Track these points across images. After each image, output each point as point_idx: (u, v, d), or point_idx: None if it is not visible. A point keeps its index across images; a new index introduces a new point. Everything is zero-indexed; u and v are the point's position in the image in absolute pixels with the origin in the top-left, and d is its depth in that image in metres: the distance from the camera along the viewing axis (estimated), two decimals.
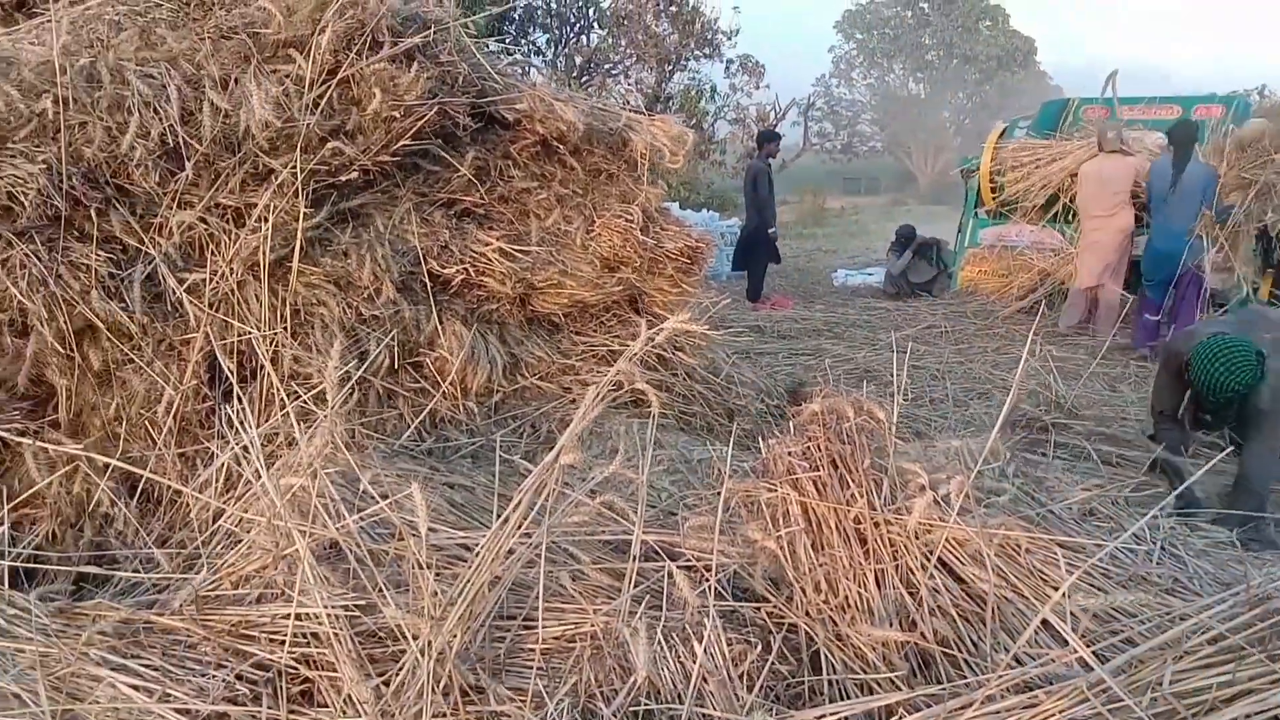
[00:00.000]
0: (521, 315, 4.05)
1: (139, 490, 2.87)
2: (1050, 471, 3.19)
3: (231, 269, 3.05)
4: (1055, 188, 8.81)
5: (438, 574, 2.03)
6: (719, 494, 2.33)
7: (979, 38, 43.69)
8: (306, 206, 3.13)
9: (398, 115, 3.37)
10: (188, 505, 2.72)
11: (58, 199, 2.78)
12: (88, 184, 2.89)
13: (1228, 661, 1.92)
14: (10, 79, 2.85)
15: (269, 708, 1.94)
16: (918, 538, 2.27)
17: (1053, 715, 1.79)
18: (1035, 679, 1.93)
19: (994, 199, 9.60)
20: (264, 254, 3.05)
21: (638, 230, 4.19)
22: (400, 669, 1.90)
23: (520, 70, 4.87)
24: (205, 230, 3.08)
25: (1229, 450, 3.26)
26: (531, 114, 3.88)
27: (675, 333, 2.08)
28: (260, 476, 2.13)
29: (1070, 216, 8.71)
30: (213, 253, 3.08)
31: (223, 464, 2.58)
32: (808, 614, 2.24)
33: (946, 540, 2.28)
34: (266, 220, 3.06)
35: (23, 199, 2.73)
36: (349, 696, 1.90)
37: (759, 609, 2.29)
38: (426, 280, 3.61)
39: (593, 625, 2.12)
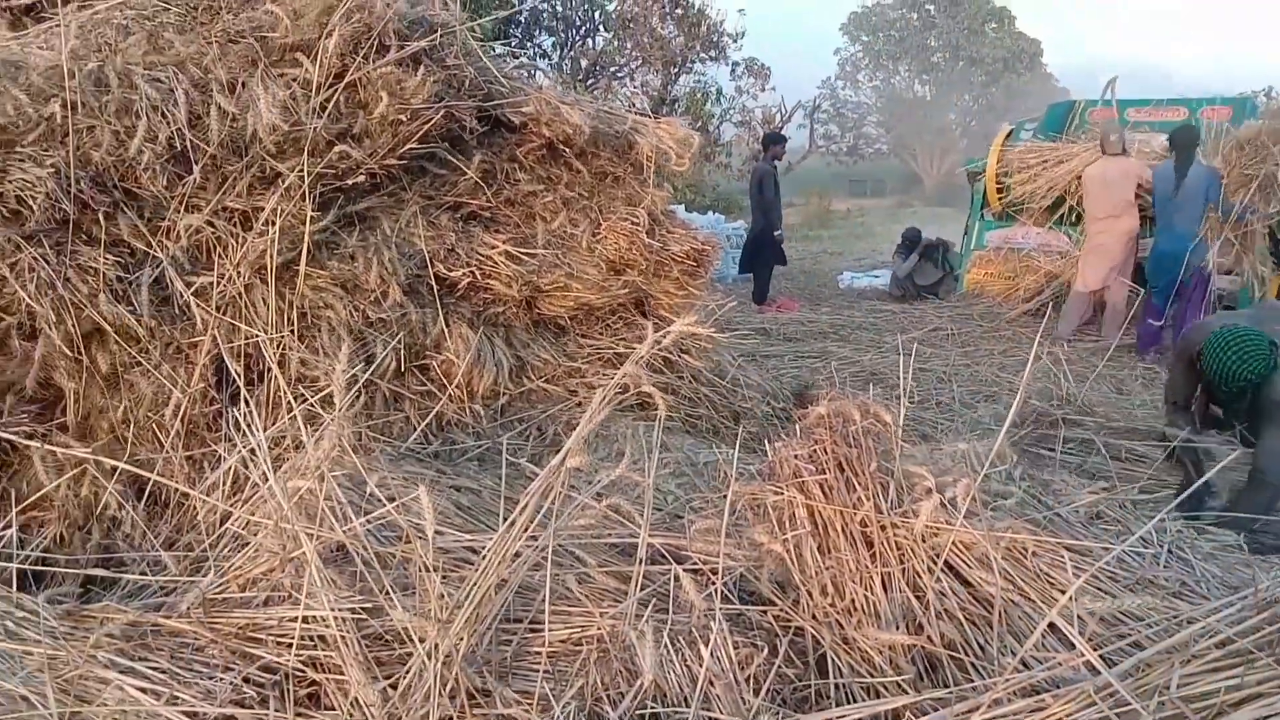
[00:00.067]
0: (528, 318, 4.06)
1: (146, 493, 2.88)
2: (1057, 474, 3.19)
3: (239, 272, 3.06)
4: (1062, 190, 8.80)
5: (444, 577, 2.03)
6: (725, 497, 2.33)
7: (985, 40, 43.64)
8: (313, 210, 3.14)
9: (404, 119, 3.37)
10: (195, 508, 2.73)
11: (66, 203, 2.79)
12: (96, 188, 2.90)
13: (1236, 666, 1.92)
14: (19, 83, 2.86)
15: (276, 710, 1.94)
16: (924, 541, 2.27)
17: (1060, 719, 1.79)
18: (1042, 682, 1.92)
19: (1000, 201, 9.59)
20: (271, 257, 3.06)
21: (644, 233, 4.19)
22: (407, 672, 1.90)
23: (526, 73, 4.88)
24: (213, 233, 3.08)
25: (1236, 454, 3.25)
26: (538, 117, 3.88)
27: (681, 335, 2.08)
28: (267, 479, 2.14)
29: (1076, 219, 8.70)
30: (220, 256, 3.09)
31: (230, 467, 2.58)
32: (814, 617, 2.24)
33: (953, 543, 2.27)
34: (274, 224, 3.06)
35: (31, 203, 2.74)
36: (356, 699, 1.90)
37: (765, 612, 2.29)
38: (433, 283, 3.62)
39: (599, 628, 2.12)
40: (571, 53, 21.20)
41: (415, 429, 3.29)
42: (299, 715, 1.96)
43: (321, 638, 2.02)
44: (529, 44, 19.70)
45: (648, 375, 2.08)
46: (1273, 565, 2.80)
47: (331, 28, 3.19)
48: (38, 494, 2.65)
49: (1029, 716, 1.81)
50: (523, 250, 3.89)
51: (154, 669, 2.00)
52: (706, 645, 1.99)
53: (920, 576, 2.24)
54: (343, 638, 1.95)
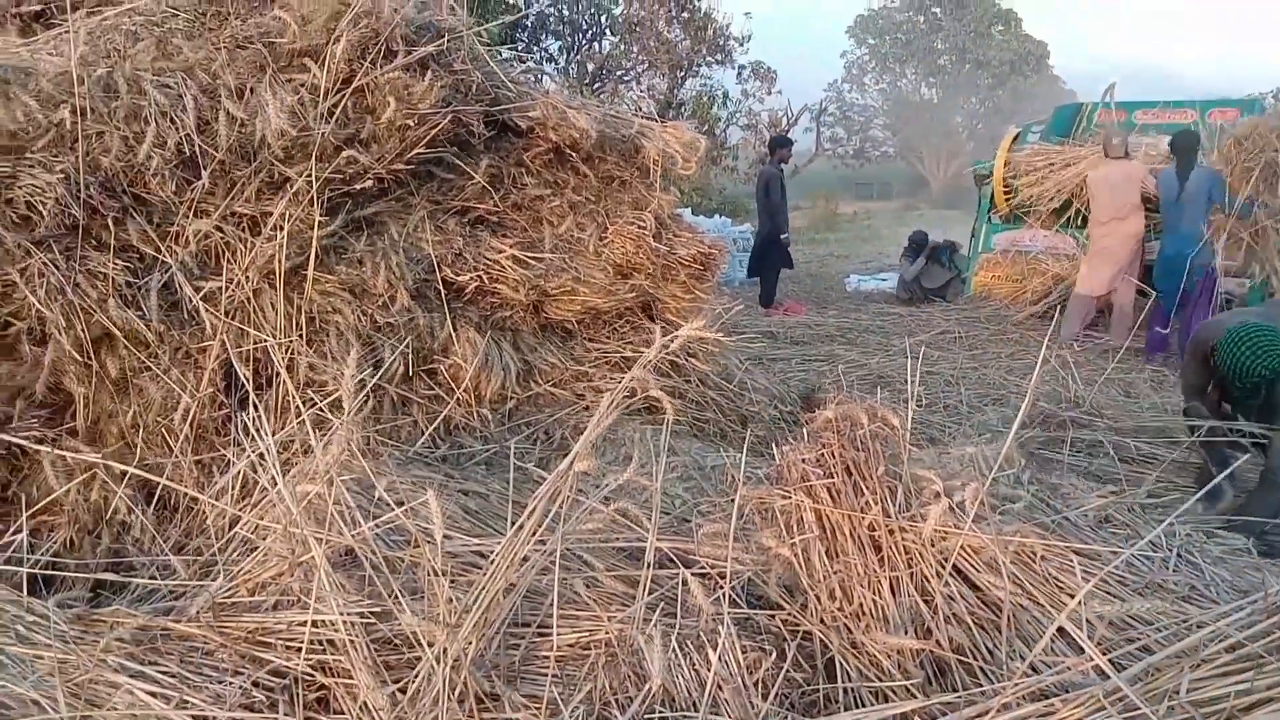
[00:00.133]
0: (535, 322, 4.06)
1: (156, 497, 2.89)
2: (1065, 477, 3.18)
3: (247, 277, 3.07)
4: (1069, 193, 8.79)
5: (453, 581, 2.03)
6: (733, 501, 2.33)
7: (991, 42, 43.62)
8: (322, 215, 3.15)
9: (412, 124, 3.38)
10: (204, 512, 2.73)
11: (75, 208, 2.80)
12: (105, 193, 2.91)
13: (1246, 670, 1.91)
14: (29, 89, 2.87)
15: (285, 714, 1.94)
16: (933, 545, 2.27)
17: None
18: (1051, 687, 1.92)
19: (1008, 204, 9.58)
20: (279, 262, 3.07)
21: (650, 237, 4.19)
22: (416, 676, 1.91)
23: (533, 78, 4.89)
24: (221, 239, 3.09)
25: (1246, 457, 3.24)
26: (544, 122, 3.89)
27: (688, 339, 2.08)
28: (276, 484, 2.14)
29: (1083, 222, 8.69)
30: (229, 261, 3.10)
31: (239, 471, 2.59)
32: (822, 621, 2.24)
33: (961, 547, 2.27)
34: (282, 228, 3.07)
35: (41, 208, 2.75)
36: (365, 703, 1.91)
37: (773, 616, 2.29)
38: (440, 288, 3.63)
39: (607, 632, 2.12)
40: (578, 57, 21.23)
41: (423, 433, 3.29)
42: (308, 719, 1.97)
43: (330, 642, 2.03)
44: (535, 48, 19.73)
45: (655, 379, 2.09)
46: None
47: (339, 33, 3.20)
48: (48, 499, 2.66)
49: None
50: (530, 254, 3.90)
51: (164, 673, 2.00)
52: (715, 650, 1.99)
53: (929, 581, 2.24)
54: (352, 642, 1.96)
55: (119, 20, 3.33)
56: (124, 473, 2.64)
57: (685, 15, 21.25)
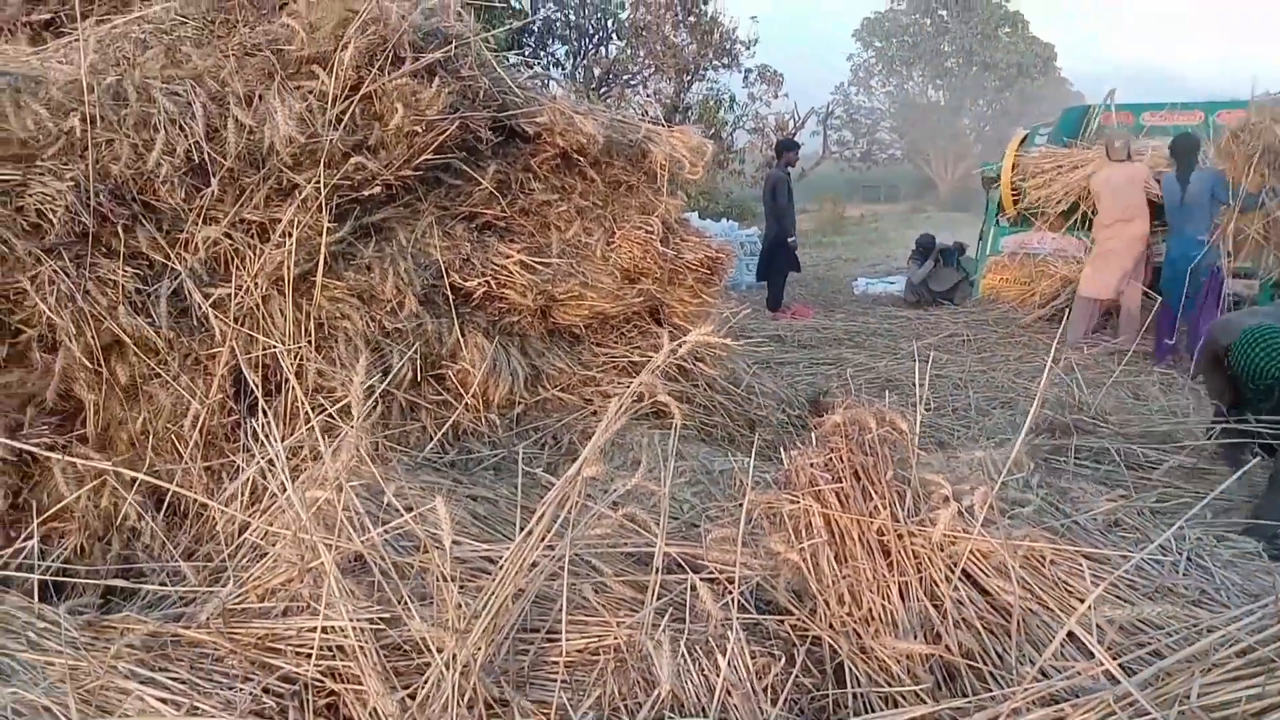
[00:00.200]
0: (543, 327, 4.07)
1: (165, 504, 2.90)
2: (1075, 481, 3.17)
3: (256, 284, 3.08)
4: (1077, 195, 8.78)
5: (462, 587, 2.04)
6: (741, 506, 2.33)
7: (998, 44, 43.61)
8: (330, 221, 3.16)
9: (420, 130, 3.39)
10: (214, 518, 2.74)
11: (85, 216, 2.81)
12: (115, 200, 2.92)
13: (1257, 674, 1.90)
14: (39, 98, 2.89)
15: None
16: (942, 549, 2.26)
17: None
18: (1061, 692, 1.91)
19: (1015, 207, 9.56)
20: (288, 268, 3.08)
21: (658, 241, 4.20)
22: (425, 682, 1.91)
23: (540, 83, 4.90)
24: (230, 245, 3.11)
25: (1256, 461, 3.23)
26: (552, 127, 3.90)
27: (696, 344, 2.08)
28: (285, 490, 2.15)
29: (1091, 225, 8.69)
30: (238, 268, 3.11)
31: (248, 477, 2.60)
32: (831, 627, 2.23)
33: (971, 552, 2.26)
34: (291, 235, 3.08)
35: (51, 216, 2.77)
36: (374, 709, 1.91)
37: (782, 622, 2.28)
38: (448, 293, 3.63)
39: (616, 638, 2.12)
40: (585, 61, 21.27)
41: (432, 438, 3.30)
42: None
43: (340, 648, 2.03)
44: (542, 53, 19.77)
45: (663, 384, 2.09)
46: None
47: (347, 40, 3.22)
48: (58, 505, 2.67)
49: None
50: (537, 259, 3.90)
51: (174, 679, 2.01)
52: (724, 655, 1.99)
53: (938, 585, 2.23)
54: (361, 648, 1.96)
55: (128, 28, 3.35)
56: (134, 479, 2.65)
57: (691, 19, 21.27)
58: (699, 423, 4.27)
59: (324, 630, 2.03)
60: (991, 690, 2.05)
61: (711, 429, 4.31)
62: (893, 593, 2.23)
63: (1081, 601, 2.15)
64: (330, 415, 2.61)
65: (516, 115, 3.85)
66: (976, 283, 10.18)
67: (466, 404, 3.50)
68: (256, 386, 2.93)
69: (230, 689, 2.00)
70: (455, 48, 3.56)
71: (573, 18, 20.65)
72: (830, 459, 2.41)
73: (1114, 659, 1.89)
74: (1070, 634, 2.07)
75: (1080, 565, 2.32)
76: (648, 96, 21.92)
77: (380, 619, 2.07)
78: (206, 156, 3.03)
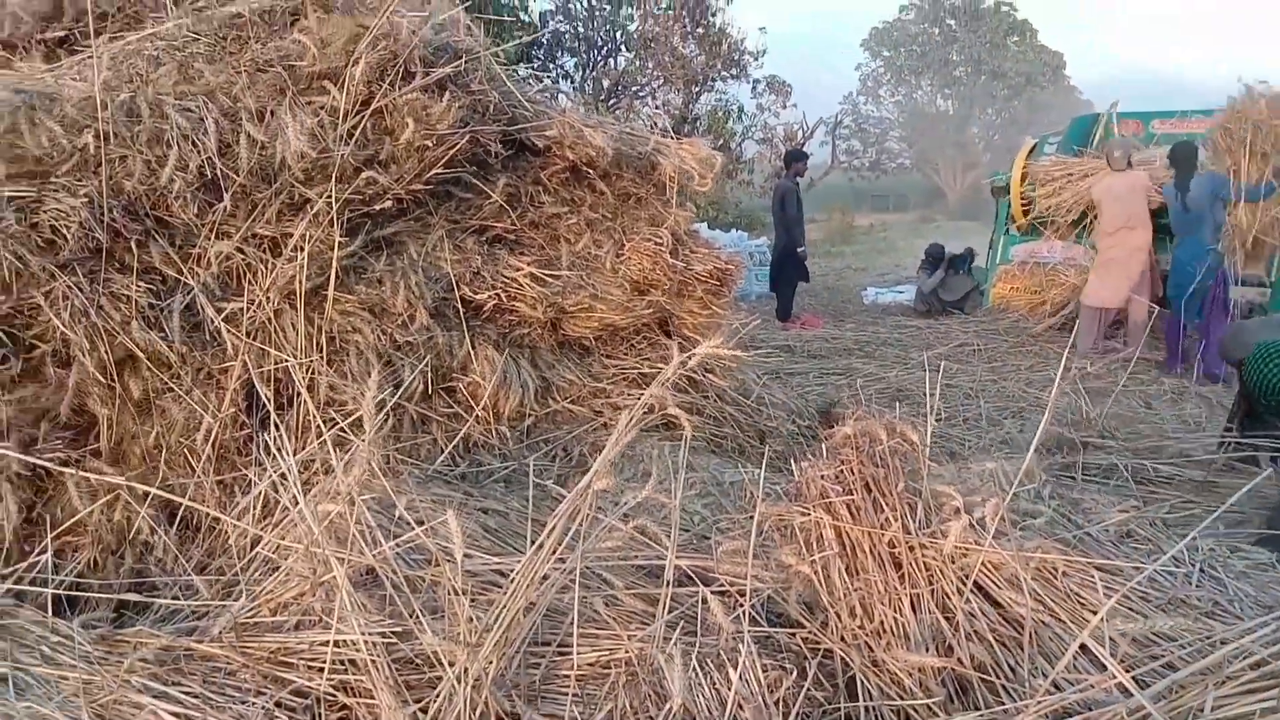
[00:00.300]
0: (553, 339, 4.08)
1: (178, 518, 2.91)
2: (1086, 493, 3.16)
3: (268, 298, 3.10)
4: (1086, 203, 8.79)
5: (473, 600, 2.04)
6: (752, 518, 2.33)
7: (1007, 53, 43.63)
8: (341, 235, 3.17)
9: (430, 144, 3.41)
10: (226, 532, 2.75)
11: (99, 232, 2.83)
12: (128, 216, 2.94)
13: (1271, 687, 1.89)
14: (53, 115, 2.91)
15: None
16: (953, 561, 2.26)
17: None
18: (1074, 705, 1.91)
19: (1025, 216, 9.56)
20: (300, 283, 3.09)
21: (667, 253, 4.21)
22: (437, 696, 1.91)
23: (549, 96, 4.92)
24: (243, 260, 3.12)
25: (1267, 474, 3.22)
26: (561, 140, 3.91)
27: (706, 356, 2.09)
28: (298, 503, 2.16)
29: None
30: (250, 282, 3.13)
31: (260, 491, 2.61)
32: (843, 639, 2.23)
33: (982, 564, 2.26)
34: (302, 249, 3.10)
35: (65, 232, 2.79)
36: None
37: (794, 634, 2.28)
38: (459, 306, 3.65)
39: (627, 651, 2.12)
40: (594, 73, 21.35)
41: (442, 451, 3.31)
42: None
43: (352, 662, 2.04)
44: (552, 65, 19.86)
45: (673, 396, 2.09)
46: None
47: (358, 56, 3.23)
48: (72, 520, 2.68)
49: None
50: (547, 272, 3.91)
51: (187, 694, 2.01)
52: (735, 668, 1.99)
53: (949, 597, 2.23)
54: (373, 662, 1.96)
55: (141, 45, 3.37)
56: (147, 493, 2.67)
57: (700, 31, 21.35)
58: (709, 434, 4.27)
59: (336, 644, 2.04)
60: (1004, 703, 2.04)
61: (721, 440, 4.31)
62: (904, 605, 2.22)
63: (1094, 613, 2.14)
64: (342, 429, 2.62)
65: (526, 129, 3.86)
66: (987, 292, 10.17)
67: (477, 416, 3.51)
68: (268, 400, 2.94)
69: (243, 703, 2.00)
70: (465, 62, 3.58)
71: (582, 30, 20.75)
72: (841, 471, 2.41)
73: (1127, 671, 1.88)
74: (1083, 646, 2.06)
75: (1092, 577, 2.31)
76: (656, 108, 21.99)
77: (392, 633, 2.07)
78: (219, 172, 3.05)
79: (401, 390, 3.22)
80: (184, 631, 2.28)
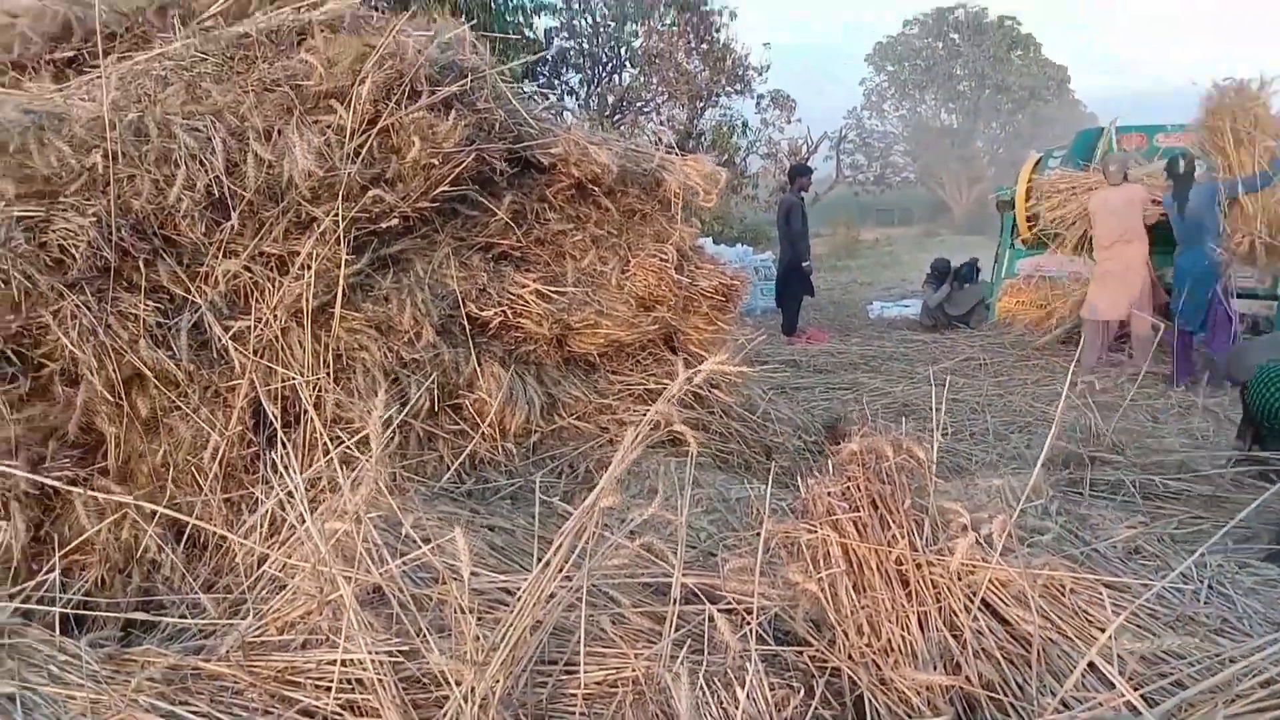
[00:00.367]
0: (558, 356, 4.08)
1: (185, 536, 2.91)
2: (1094, 508, 3.15)
3: (275, 316, 3.11)
4: (1082, 217, 8.79)
5: (480, 619, 2.04)
6: (759, 535, 2.32)
7: (1011, 67, 43.69)
8: (348, 253, 3.19)
9: (436, 162, 3.43)
10: (233, 550, 2.75)
11: (107, 251, 2.85)
12: (136, 235, 2.96)
13: None
14: (62, 135, 2.93)
15: None
16: (960, 579, 2.25)
17: None
18: None
19: (1031, 229, 9.56)
20: (307, 301, 3.11)
21: (672, 269, 4.22)
22: (444, 715, 1.91)
23: (554, 114, 4.94)
24: (250, 278, 3.14)
25: (1277, 488, 3.20)
26: (566, 158, 3.93)
27: (712, 371, 2.09)
28: (304, 521, 2.16)
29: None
30: (257, 300, 3.14)
31: (267, 509, 2.61)
32: (850, 657, 2.22)
33: (990, 581, 2.25)
34: (309, 268, 3.11)
35: (74, 251, 2.80)
36: None
37: (801, 653, 2.28)
38: (465, 323, 3.66)
39: (634, 670, 2.12)
40: (599, 89, 21.43)
41: (449, 468, 3.31)
42: None
43: (359, 681, 2.03)
44: (557, 82, 19.94)
45: (678, 411, 2.09)
46: None
47: (365, 75, 3.26)
48: (80, 538, 2.69)
49: None
50: (553, 289, 3.92)
51: (194, 712, 2.01)
52: (742, 687, 1.98)
53: (957, 615, 2.22)
54: (380, 681, 1.96)
55: (149, 65, 3.39)
56: (154, 512, 2.67)
57: (704, 46, 21.40)
58: (715, 450, 4.27)
59: (343, 663, 2.04)
60: None
61: (727, 456, 4.31)
62: (912, 623, 2.21)
63: (1102, 631, 2.13)
64: (349, 447, 2.62)
65: (532, 146, 3.88)
66: (992, 306, 10.16)
67: (483, 433, 3.52)
68: (276, 418, 2.95)
69: None
70: (471, 81, 3.60)
71: (586, 46, 20.83)
72: (848, 488, 2.41)
73: (1136, 690, 1.88)
74: (1091, 664, 2.05)
75: (1100, 594, 2.30)
76: (661, 123, 22.02)
77: (399, 651, 2.07)
78: (226, 191, 3.07)
79: (408, 408, 3.23)
80: (191, 650, 2.28)
